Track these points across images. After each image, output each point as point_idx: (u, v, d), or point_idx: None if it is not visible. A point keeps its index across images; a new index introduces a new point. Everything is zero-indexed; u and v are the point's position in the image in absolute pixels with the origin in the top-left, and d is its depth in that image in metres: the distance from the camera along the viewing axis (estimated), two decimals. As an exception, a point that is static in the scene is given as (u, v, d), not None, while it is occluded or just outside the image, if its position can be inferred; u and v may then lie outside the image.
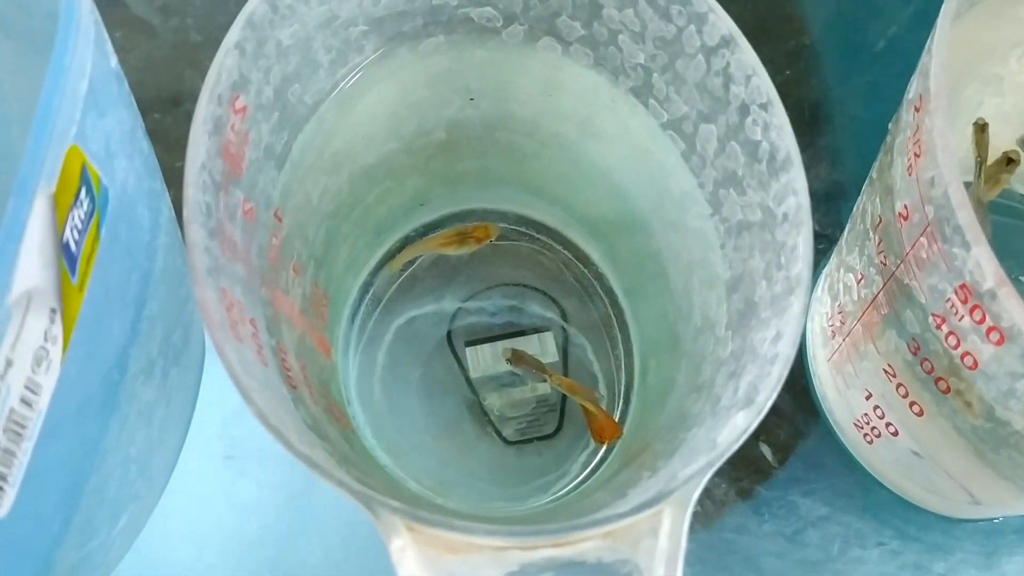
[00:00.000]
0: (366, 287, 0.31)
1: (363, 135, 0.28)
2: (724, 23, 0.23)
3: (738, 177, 0.24)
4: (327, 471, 0.18)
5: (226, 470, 0.31)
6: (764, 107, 0.22)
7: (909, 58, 0.26)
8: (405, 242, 0.32)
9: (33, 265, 0.16)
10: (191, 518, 0.31)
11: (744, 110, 0.23)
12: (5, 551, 0.17)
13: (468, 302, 0.31)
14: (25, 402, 0.17)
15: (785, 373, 0.19)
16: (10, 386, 0.16)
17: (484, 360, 0.31)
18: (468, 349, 0.31)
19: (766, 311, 0.22)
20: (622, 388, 0.30)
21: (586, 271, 0.32)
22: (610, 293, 0.31)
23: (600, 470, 0.29)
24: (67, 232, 0.18)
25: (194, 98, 0.37)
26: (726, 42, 0.23)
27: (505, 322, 0.31)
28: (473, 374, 0.31)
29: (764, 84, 0.22)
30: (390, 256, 0.32)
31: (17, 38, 0.25)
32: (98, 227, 0.19)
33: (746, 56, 0.22)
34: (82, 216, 0.18)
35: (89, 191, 0.18)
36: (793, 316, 0.20)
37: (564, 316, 0.32)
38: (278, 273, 0.25)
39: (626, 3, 0.25)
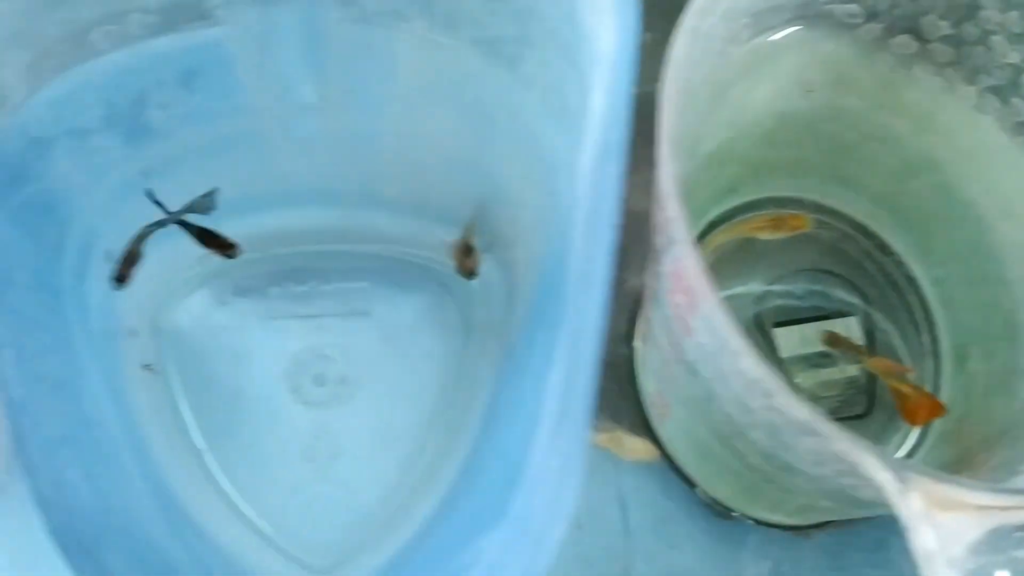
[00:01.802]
0: (679, 267, 0.33)
1: (718, 123, 0.29)
2: None
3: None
4: (839, 435, 0.19)
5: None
6: None
7: None
8: (711, 226, 0.33)
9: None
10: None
11: None
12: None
13: (774, 285, 0.33)
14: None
15: None
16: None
17: (792, 341, 0.32)
18: (777, 330, 0.32)
19: None
20: (931, 374, 0.32)
21: (887, 260, 0.33)
22: (913, 282, 0.33)
23: (917, 455, 0.30)
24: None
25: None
26: None
27: (811, 305, 0.33)
28: (783, 354, 0.32)
29: None
30: (699, 238, 0.33)
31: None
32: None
33: None
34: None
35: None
36: None
37: (867, 302, 0.33)
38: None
39: (1012, 5, 0.26)
